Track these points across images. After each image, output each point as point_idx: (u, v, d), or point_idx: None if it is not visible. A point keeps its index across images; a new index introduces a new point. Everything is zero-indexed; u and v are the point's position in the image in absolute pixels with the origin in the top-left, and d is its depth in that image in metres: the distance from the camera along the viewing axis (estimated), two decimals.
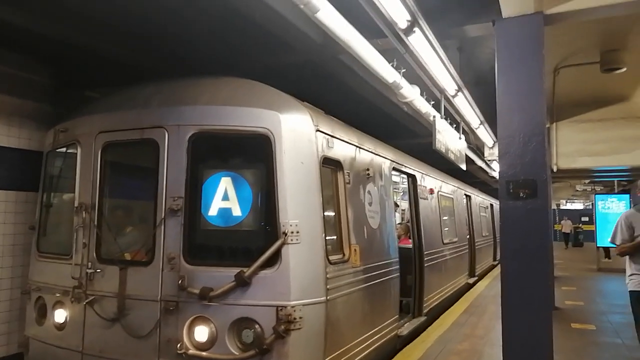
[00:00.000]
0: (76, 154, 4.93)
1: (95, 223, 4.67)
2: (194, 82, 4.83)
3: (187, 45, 5.47)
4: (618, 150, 10.70)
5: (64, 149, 5.19)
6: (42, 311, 4.96)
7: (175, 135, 4.42)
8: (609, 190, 23.92)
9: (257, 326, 4.03)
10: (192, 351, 4.09)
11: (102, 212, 4.74)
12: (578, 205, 40.38)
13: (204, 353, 4.08)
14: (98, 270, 4.55)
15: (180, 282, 4.15)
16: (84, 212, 4.70)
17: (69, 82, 6.21)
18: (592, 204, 21.01)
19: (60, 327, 4.73)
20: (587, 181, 22.33)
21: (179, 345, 4.09)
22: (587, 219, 33.17)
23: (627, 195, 18.87)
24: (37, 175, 5.50)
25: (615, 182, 22.21)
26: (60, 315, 4.73)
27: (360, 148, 5.70)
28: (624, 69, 7.76)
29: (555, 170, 11.13)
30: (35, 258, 5.24)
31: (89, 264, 4.59)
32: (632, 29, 6.81)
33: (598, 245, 18.18)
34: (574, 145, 11.03)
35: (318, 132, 4.65)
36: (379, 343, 5.66)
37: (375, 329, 5.60)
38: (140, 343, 4.24)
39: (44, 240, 5.30)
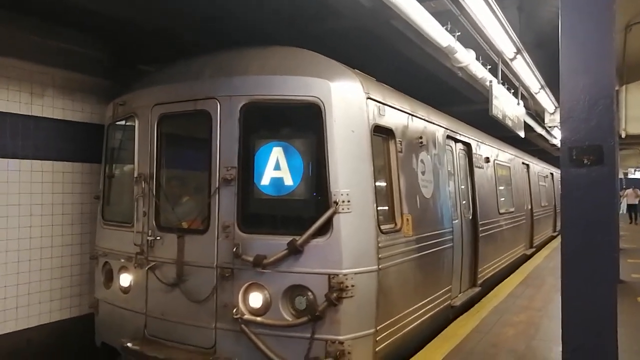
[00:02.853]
0: (134, 126, 5.11)
1: (154, 193, 4.86)
2: (244, 53, 4.84)
3: (236, 18, 5.46)
4: None
5: (123, 122, 5.40)
6: (108, 275, 5.29)
7: (227, 105, 4.47)
8: None
9: (309, 293, 4.10)
10: (247, 316, 4.23)
11: (160, 183, 4.92)
12: None
13: (258, 318, 4.21)
14: (158, 238, 4.76)
15: (234, 249, 4.27)
16: (143, 183, 4.89)
17: (124, 58, 6.40)
18: None
19: (126, 290, 5.02)
20: None
21: (234, 310, 4.24)
22: None
23: None
24: (99, 147, 5.77)
25: None
26: (125, 280, 5.02)
27: (412, 116, 5.56)
28: None
29: (623, 136, 10.47)
30: (100, 226, 5.54)
31: (149, 231, 4.81)
32: None
33: None
34: None
35: (369, 100, 4.56)
36: (431, 313, 5.63)
37: (428, 299, 5.56)
38: (198, 307, 4.43)
39: (107, 209, 5.59)
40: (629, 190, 25.39)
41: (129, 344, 4.68)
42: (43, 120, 5.77)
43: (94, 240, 5.70)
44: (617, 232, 7.80)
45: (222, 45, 5.15)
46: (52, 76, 5.84)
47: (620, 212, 24.60)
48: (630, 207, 24.96)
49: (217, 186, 4.43)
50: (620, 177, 32.53)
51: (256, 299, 4.24)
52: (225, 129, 4.47)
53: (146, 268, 4.77)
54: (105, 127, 5.73)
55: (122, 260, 5.06)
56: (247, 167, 4.40)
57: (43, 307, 5.73)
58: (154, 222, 4.83)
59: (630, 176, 37.82)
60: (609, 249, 4.16)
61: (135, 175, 4.98)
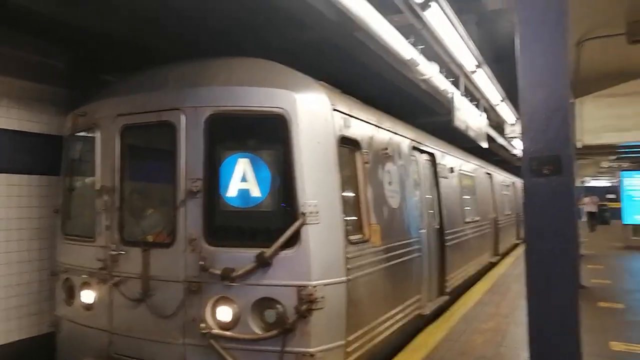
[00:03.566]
0: (95, 137, 4.98)
1: (117, 206, 4.74)
2: (209, 63, 4.81)
3: (201, 27, 5.43)
4: None
5: (83, 133, 5.26)
6: (70, 292, 5.09)
7: (192, 116, 4.42)
8: (636, 166, 23.32)
9: (279, 306, 4.06)
10: (216, 331, 4.15)
11: (123, 195, 4.80)
12: (604, 183, 39.53)
13: (227, 332, 4.13)
14: (122, 252, 4.63)
15: (201, 263, 4.20)
16: (105, 195, 4.76)
17: (84, 67, 6.25)
18: (618, 180, 20.51)
19: (89, 307, 4.85)
20: (613, 157, 21.78)
21: (203, 324, 4.15)
22: (613, 196, 32.47)
23: None
24: (58, 159, 5.59)
25: None
26: (87, 296, 4.85)
27: (378, 127, 5.64)
28: None
29: (580, 146, 10.88)
30: (61, 240, 5.35)
31: (113, 245, 4.67)
32: None
33: (624, 223, 17.82)
34: (600, 120, 10.77)
35: (335, 112, 4.60)
36: (401, 322, 5.66)
37: (398, 309, 5.59)
38: (165, 323, 4.32)
39: (68, 223, 5.41)
40: (587, 199, 25.91)
41: None
42: None
43: (54, 256, 5.49)
44: (577, 239, 8.08)
45: (185, 55, 5.11)
46: (7, 85, 5.63)
47: (583, 219, 25.35)
48: (590, 215, 25.48)
49: (182, 198, 4.36)
50: (578, 185, 33.74)
51: (225, 313, 4.16)
52: (190, 140, 4.41)
53: (110, 283, 4.63)
54: (64, 138, 5.57)
55: (84, 276, 4.88)
56: (213, 179, 4.35)
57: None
58: (117, 236, 4.69)
59: (587, 185, 39.26)
60: (570, 256, 4.29)
61: (98, 187, 4.85)
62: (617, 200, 23.49)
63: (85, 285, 4.88)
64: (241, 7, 5.07)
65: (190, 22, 5.35)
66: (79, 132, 5.30)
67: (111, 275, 4.64)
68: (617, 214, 20.71)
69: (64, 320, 5.16)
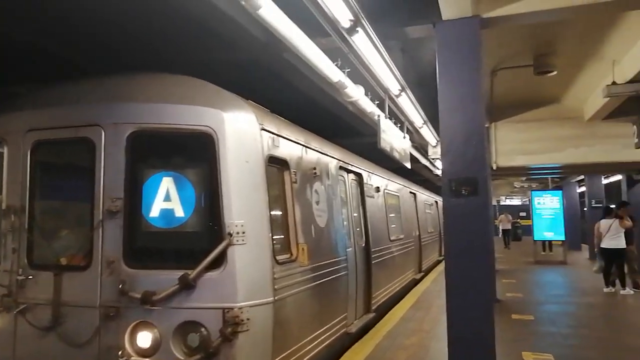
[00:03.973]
0: (2, 153, 4.62)
1: (26, 227, 4.40)
2: (133, 78, 4.64)
3: (123, 41, 5.26)
4: (551, 149, 11.34)
5: None
6: None
7: (113, 133, 4.24)
8: (544, 186, 25.26)
9: (203, 329, 3.92)
10: (134, 358, 3.93)
11: (34, 215, 4.47)
12: (516, 202, 42.33)
13: (147, 359, 3.93)
14: (30, 277, 4.29)
15: (120, 286, 3.99)
16: (12, 216, 4.41)
17: None
18: (529, 199, 22.07)
19: None
20: (524, 178, 23.45)
21: (120, 352, 3.92)
22: (524, 214, 34.85)
23: (560, 192, 20.00)
24: None
25: (549, 179, 23.49)
26: None
27: (306, 147, 5.70)
28: (555, 72, 8.23)
29: (494, 168, 11.61)
30: None
31: (20, 270, 4.31)
32: (562, 35, 7.22)
33: (535, 239, 19.15)
34: (512, 144, 11.58)
35: (263, 131, 4.60)
36: (328, 341, 5.67)
37: (324, 328, 5.60)
38: (78, 352, 4.02)
39: None
40: (502, 216, 27.31)
41: None
42: None
43: None
44: (493, 255, 8.58)
45: (108, 70, 4.91)
46: None
47: (499, 235, 26.84)
48: (504, 232, 26.66)
49: (100, 218, 4.14)
50: (493, 204, 35.87)
51: (145, 339, 3.96)
52: (111, 158, 4.22)
53: (14, 312, 4.25)
54: None
55: None
56: (135, 198, 4.17)
57: None
58: (25, 260, 4.34)
59: (503, 203, 41.87)
60: (486, 271, 4.56)
61: (3, 207, 4.48)
62: (528, 218, 25.14)
63: None
64: (167, 22, 4.98)
65: (114, 36, 5.17)
66: None
67: (16, 302, 4.27)
68: (528, 230, 22.24)
69: None
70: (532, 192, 20.59)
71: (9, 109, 4.81)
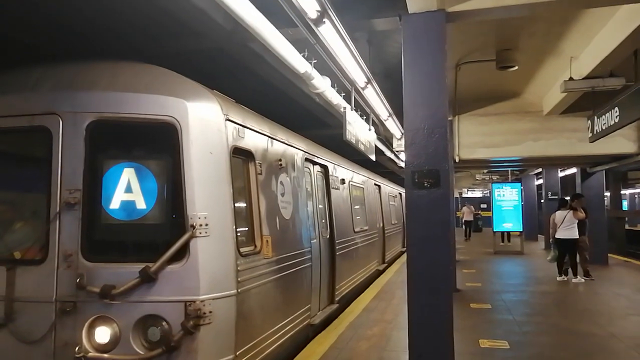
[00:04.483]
0: None
1: None
2: (92, 66, 4.48)
3: (86, 26, 5.06)
4: (511, 142, 11.66)
5: None
6: None
7: (71, 123, 4.09)
8: (504, 179, 26.00)
9: (164, 323, 3.87)
10: (92, 354, 3.83)
11: None
12: (478, 194, 43.42)
13: (105, 355, 3.84)
14: None
15: (78, 280, 3.88)
16: None
17: None
18: (490, 192, 22.68)
19: None
20: (485, 171, 24.05)
21: (77, 348, 3.82)
22: (485, 206, 35.81)
23: (519, 184, 20.63)
24: None
25: (509, 172, 24.19)
26: None
27: (272, 138, 5.66)
28: (516, 67, 8.44)
29: (457, 160, 11.85)
30: None
31: None
32: (523, 31, 7.40)
33: (495, 230, 19.72)
34: (474, 137, 11.83)
35: (228, 122, 4.53)
36: (291, 333, 5.69)
37: (288, 319, 5.62)
38: (31, 349, 3.89)
39: None
40: (465, 208, 27.35)
41: None
42: None
43: None
44: (454, 246, 8.79)
45: (64, 55, 4.72)
46: None
47: (461, 227, 27.31)
48: (467, 224, 26.45)
49: (57, 210, 4.00)
50: (456, 196, 36.68)
51: (103, 334, 3.87)
52: (69, 148, 4.07)
53: None
54: None
55: None
56: (94, 190, 4.05)
57: None
58: None
59: (465, 195, 42.87)
60: (446, 262, 4.66)
61: None
62: (489, 209, 25.79)
63: None
64: (133, 10, 4.83)
65: (76, 21, 4.96)
66: None
67: None
68: (489, 222, 22.86)
69: None
70: (493, 184, 21.16)
71: None
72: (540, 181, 23.31)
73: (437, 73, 4.85)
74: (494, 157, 12.30)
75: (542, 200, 22.13)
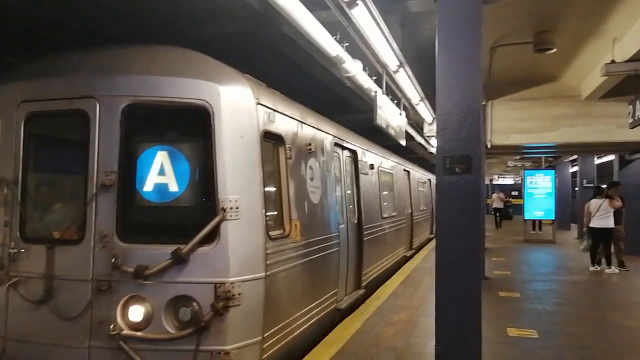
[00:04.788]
0: None
1: (19, 200, 4.36)
2: (128, 50, 4.54)
3: (120, 12, 5.12)
4: (546, 128, 11.34)
5: None
6: None
7: (108, 106, 4.17)
8: (537, 166, 25.36)
9: (194, 304, 3.96)
10: (126, 332, 3.96)
11: (27, 188, 4.42)
12: (509, 181, 42.57)
13: (138, 333, 3.96)
14: (22, 250, 4.27)
15: (113, 260, 3.99)
16: (5, 188, 4.36)
17: None
18: (522, 179, 22.19)
19: None
20: (517, 157, 23.51)
21: (112, 326, 3.95)
22: (516, 193, 35.08)
23: (553, 171, 20.10)
24: None
25: (543, 159, 23.58)
26: None
27: (302, 123, 5.65)
28: (554, 50, 8.15)
29: (489, 146, 11.62)
30: None
31: (12, 243, 4.29)
32: (563, 12, 7.13)
33: (525, 218, 19.33)
34: (507, 122, 11.56)
35: (259, 106, 4.55)
36: (318, 317, 5.75)
37: (315, 303, 5.67)
38: (69, 325, 4.05)
39: None
40: (495, 195, 26.74)
41: None
42: None
43: None
44: (483, 233, 8.67)
45: (99, 40, 4.79)
46: None
47: (490, 214, 26.74)
48: (496, 211, 25.75)
49: (94, 192, 4.11)
50: (486, 183, 36.04)
51: (136, 313, 3.99)
52: (105, 130, 4.16)
53: (6, 285, 4.25)
54: None
55: None
56: (129, 172, 4.13)
57: None
58: (17, 233, 4.32)
59: (495, 182, 42.09)
60: (475, 250, 4.60)
61: None
62: (520, 197, 25.26)
63: None
64: None
65: (111, 7, 5.02)
66: None
67: (8, 275, 4.26)
68: (519, 209, 22.41)
69: None
70: (525, 171, 20.67)
71: (2, 80, 4.71)
72: (575, 168, 22.66)
73: (472, 56, 4.72)
74: (527, 143, 11.99)
75: (577, 188, 21.53)
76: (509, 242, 17.65)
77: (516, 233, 20.39)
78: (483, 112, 11.02)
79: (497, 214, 25.74)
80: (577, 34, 8.07)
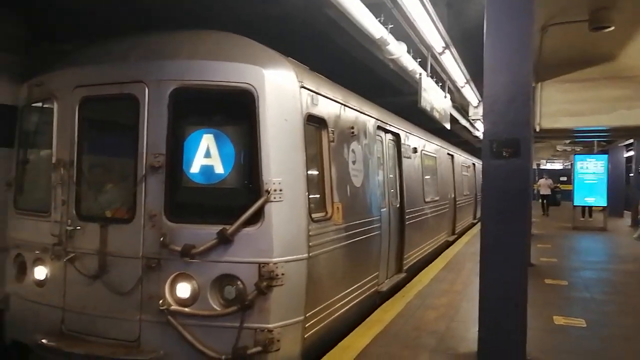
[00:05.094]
0: (53, 108, 4.77)
1: (74, 180, 4.58)
2: (175, 35, 4.65)
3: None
4: (599, 111, 10.81)
5: (39, 104, 5.01)
6: (21, 268, 4.92)
7: (156, 90, 4.29)
8: (588, 150, 24.29)
9: (239, 282, 4.07)
10: (174, 307, 4.13)
11: (81, 169, 4.64)
12: (557, 165, 41.08)
13: (186, 309, 4.12)
14: (78, 228, 4.50)
15: (161, 239, 4.14)
16: (62, 169, 4.59)
17: (41, 34, 5.93)
18: (571, 164, 21.34)
19: (41, 284, 4.71)
20: (567, 141, 22.60)
21: (161, 301, 4.12)
22: (565, 178, 33.79)
23: (606, 156, 19.22)
24: (11, 130, 5.32)
25: (595, 143, 22.56)
26: (40, 272, 4.70)
27: (345, 106, 5.63)
28: (612, 28, 7.72)
29: (537, 130, 11.21)
30: (12, 215, 5.15)
31: (69, 221, 4.53)
32: None
33: (575, 204, 18.63)
34: (557, 105, 11.09)
35: (302, 89, 4.57)
36: (359, 299, 5.79)
37: (356, 285, 5.71)
38: (122, 300, 4.26)
39: (21, 197, 5.19)
40: (542, 180, 25.19)
41: (43, 341, 4.39)
42: None
43: (4, 231, 5.28)
44: (530, 219, 8.43)
45: (144, 25, 4.91)
46: None
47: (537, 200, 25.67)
48: (543, 197, 24.28)
49: (143, 173, 4.26)
50: (533, 168, 34.87)
51: (184, 290, 4.14)
52: (154, 114, 4.29)
53: (64, 260, 4.50)
54: (19, 109, 5.30)
55: (37, 252, 4.72)
56: (176, 154, 4.26)
57: None
58: (74, 211, 4.55)
59: (542, 167, 40.70)
60: (521, 236, 4.49)
61: (54, 161, 4.67)
62: (568, 182, 24.27)
63: (38, 261, 4.72)
64: None
65: None
66: (35, 102, 5.04)
67: (66, 251, 4.51)
68: (567, 196, 21.57)
69: (14, 297, 5.00)
70: (575, 156, 19.85)
71: (58, 66, 4.94)
72: (631, 153, 21.57)
73: (522, 36, 4.56)
74: (579, 126, 11.48)
75: (632, 174, 20.52)
76: (556, 229, 17.09)
77: (564, 220, 19.69)
78: (532, 94, 10.63)
79: (545, 201, 24.40)
80: (637, 10, 7.60)
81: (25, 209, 5.03)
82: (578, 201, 18.59)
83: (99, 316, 4.34)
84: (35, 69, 5.17)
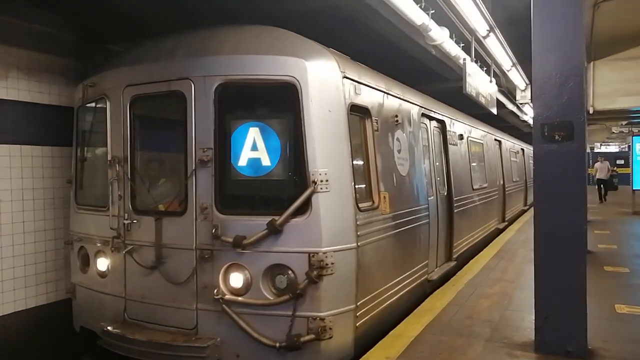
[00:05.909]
0: (106, 108, 4.99)
1: (129, 176, 4.79)
2: (217, 32, 4.76)
3: None
4: None
5: (93, 104, 5.26)
6: (85, 260, 5.23)
7: (202, 86, 4.41)
8: None
9: (290, 272, 4.14)
10: (228, 296, 4.25)
11: (135, 165, 4.84)
12: (613, 148, 39.16)
13: (239, 298, 4.24)
14: (134, 221, 4.71)
15: (213, 230, 4.27)
16: (117, 165, 4.81)
17: (93, 37, 6.21)
18: (629, 146, 20.22)
19: (103, 274, 4.98)
20: (624, 123, 21.47)
21: (215, 290, 4.26)
22: (622, 162, 32.14)
23: None
24: (69, 130, 5.62)
25: None
26: (102, 264, 4.97)
27: (388, 94, 5.58)
28: None
29: (591, 112, 10.73)
30: (74, 210, 5.45)
31: (125, 215, 4.75)
32: None
33: (634, 189, 17.70)
34: (612, 84, 10.58)
35: (345, 79, 4.56)
36: (409, 287, 5.76)
37: (406, 274, 5.68)
38: (178, 289, 4.43)
39: (81, 193, 5.49)
40: (598, 164, 23.26)
41: (109, 328, 4.65)
42: (8, 103, 5.56)
43: (68, 225, 5.60)
44: (586, 205, 8.09)
45: (183, 22, 5.03)
46: (16, 57, 5.63)
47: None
48: (600, 182, 22.33)
49: (193, 168, 4.39)
50: (587, 151, 33.34)
51: (237, 279, 4.26)
52: (200, 109, 4.41)
53: (123, 252, 4.73)
54: (75, 110, 5.58)
55: (99, 245, 4.99)
56: (224, 148, 4.37)
57: (18, 294, 5.62)
58: (130, 205, 4.76)
59: (597, 150, 38.93)
60: (578, 222, 4.33)
61: (109, 158, 4.89)
62: (625, 165, 22.97)
63: (100, 253, 5.00)
64: None
65: None
66: (89, 102, 5.30)
67: (124, 243, 4.74)
68: (625, 179, 20.46)
69: (80, 287, 5.31)
70: (634, 137, 18.81)
71: (110, 67, 5.16)
72: None
73: (573, 13, 4.37)
74: (637, 106, 10.91)
75: None
76: (614, 215, 16.32)
77: (622, 205, 18.76)
78: (585, 74, 10.18)
79: (601, 186, 22.52)
80: None
81: (86, 205, 5.31)
82: (638, 184, 17.65)
83: (158, 305, 4.54)
84: (89, 70, 5.42)
